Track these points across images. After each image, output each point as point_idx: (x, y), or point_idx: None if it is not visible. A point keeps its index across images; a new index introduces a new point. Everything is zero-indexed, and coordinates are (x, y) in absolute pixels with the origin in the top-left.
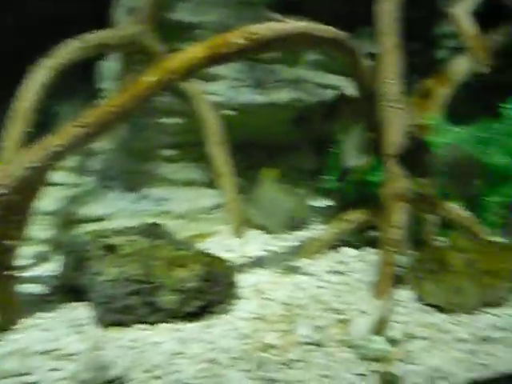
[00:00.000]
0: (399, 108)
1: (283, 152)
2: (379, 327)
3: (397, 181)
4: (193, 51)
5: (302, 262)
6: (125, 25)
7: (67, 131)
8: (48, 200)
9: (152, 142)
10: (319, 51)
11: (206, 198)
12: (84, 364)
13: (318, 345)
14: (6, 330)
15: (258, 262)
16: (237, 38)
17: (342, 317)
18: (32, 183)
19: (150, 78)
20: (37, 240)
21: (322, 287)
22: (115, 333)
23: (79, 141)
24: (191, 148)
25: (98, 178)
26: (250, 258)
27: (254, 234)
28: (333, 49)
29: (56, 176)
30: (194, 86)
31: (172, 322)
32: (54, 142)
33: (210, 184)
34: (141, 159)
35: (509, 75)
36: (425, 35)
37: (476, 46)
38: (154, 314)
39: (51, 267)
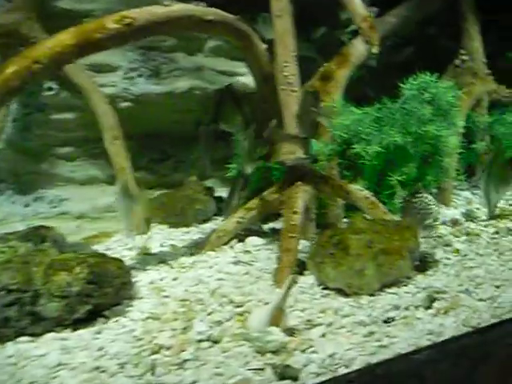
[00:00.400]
0: (294, 91)
1: (189, 142)
2: (276, 317)
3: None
4: (60, 38)
5: (205, 255)
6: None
7: None
8: None
9: (45, 140)
10: (220, 38)
11: (108, 195)
12: None
13: (215, 341)
14: None
15: (159, 258)
16: (111, 22)
17: (241, 309)
18: None
19: (9, 69)
20: None
21: (223, 279)
22: None
23: None
24: (89, 144)
25: None
26: (151, 254)
27: (158, 229)
28: (224, 32)
29: None
30: (87, 78)
31: (58, 331)
32: None
33: (112, 181)
34: (34, 159)
35: (406, 55)
36: (331, 19)
37: (366, 28)
38: (38, 325)
39: None
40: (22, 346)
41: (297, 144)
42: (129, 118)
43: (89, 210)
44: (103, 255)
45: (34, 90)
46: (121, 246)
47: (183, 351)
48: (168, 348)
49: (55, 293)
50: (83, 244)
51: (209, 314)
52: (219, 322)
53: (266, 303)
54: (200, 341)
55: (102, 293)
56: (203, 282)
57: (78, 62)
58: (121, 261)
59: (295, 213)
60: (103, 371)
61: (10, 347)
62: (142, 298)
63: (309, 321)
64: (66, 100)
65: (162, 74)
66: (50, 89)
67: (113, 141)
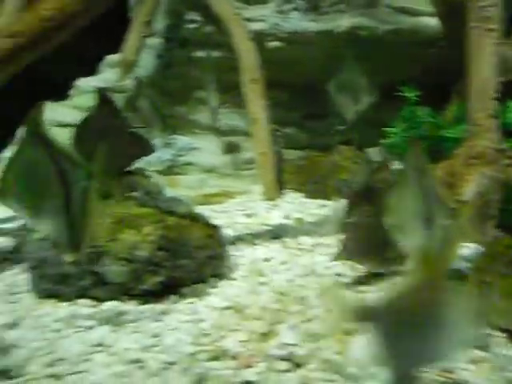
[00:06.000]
0: (492, 30)
1: None
2: None
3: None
4: None
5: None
6: None
7: None
8: None
9: (186, 81)
10: None
11: (246, 150)
12: None
13: (297, 363)
14: None
15: (275, 233)
16: None
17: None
18: None
19: None
20: None
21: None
22: (48, 307)
23: (9, 55)
24: (235, 89)
25: None
26: (270, 226)
27: (289, 197)
28: None
29: None
30: (229, 9)
31: (122, 301)
32: None
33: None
34: (172, 100)
35: None
36: None
37: None
38: (100, 288)
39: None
40: (77, 310)
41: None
42: (278, 61)
43: (219, 164)
44: (193, 218)
45: (177, 22)
46: (239, 211)
47: (249, 367)
48: (233, 357)
49: (120, 254)
50: (182, 201)
51: (306, 322)
52: (314, 337)
53: None
54: (277, 358)
55: (177, 264)
56: (316, 273)
57: None
58: (215, 228)
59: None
60: (141, 367)
61: (65, 309)
62: (234, 279)
63: None
64: (209, 35)
65: (321, 9)
66: (193, 21)
67: (250, 84)
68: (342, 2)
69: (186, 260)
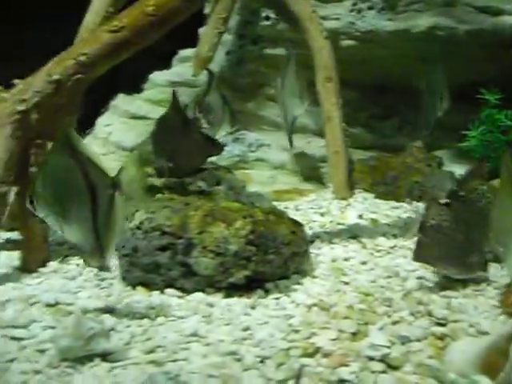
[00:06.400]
0: None
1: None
2: (492, 362)
3: None
4: None
5: (411, 241)
6: None
7: (97, 38)
8: None
9: (256, 77)
10: None
11: (314, 148)
12: (75, 326)
13: (391, 365)
14: (28, 272)
15: (352, 232)
16: None
17: (442, 330)
18: (58, 99)
19: None
20: None
21: (424, 279)
22: (139, 295)
23: (114, 49)
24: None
25: None
26: (345, 225)
27: (361, 197)
28: None
29: None
30: (306, 7)
31: (208, 293)
32: (80, 50)
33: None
34: (242, 96)
35: None
36: None
37: None
38: (188, 279)
39: None
40: (167, 299)
41: None
42: (351, 60)
43: (289, 162)
44: (278, 214)
45: (251, 19)
46: (312, 209)
47: (344, 366)
48: (325, 355)
49: (209, 247)
50: (264, 197)
51: (393, 324)
52: (405, 339)
53: (483, 333)
54: (371, 358)
55: (264, 259)
56: (399, 276)
57: None
58: (299, 225)
59: None
60: (237, 360)
61: (156, 297)
62: (315, 277)
63: None
64: (282, 33)
65: (398, 8)
66: (267, 18)
67: (325, 83)
68: (420, 1)
69: (272, 255)
